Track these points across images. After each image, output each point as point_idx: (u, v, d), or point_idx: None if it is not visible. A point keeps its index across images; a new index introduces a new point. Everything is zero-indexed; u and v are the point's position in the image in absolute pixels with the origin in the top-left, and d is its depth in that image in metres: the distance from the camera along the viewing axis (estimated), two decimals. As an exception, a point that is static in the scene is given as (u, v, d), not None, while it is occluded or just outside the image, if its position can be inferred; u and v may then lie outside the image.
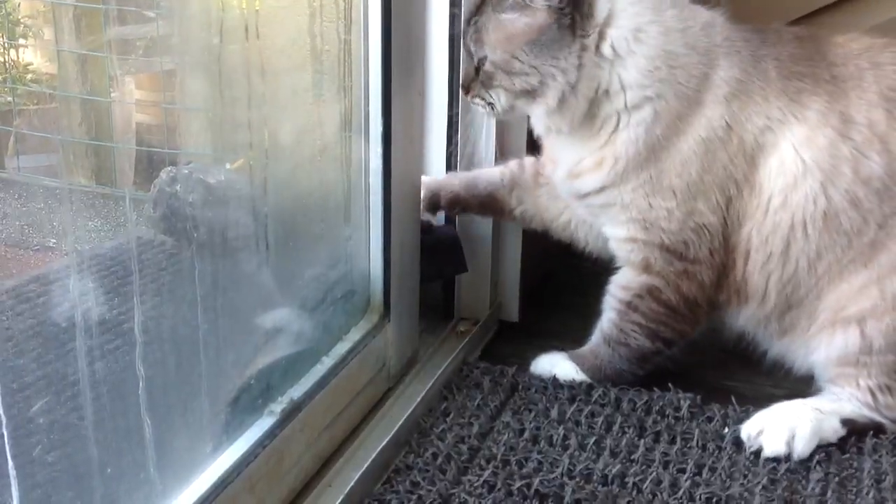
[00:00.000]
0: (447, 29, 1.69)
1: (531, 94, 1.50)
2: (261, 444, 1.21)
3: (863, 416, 1.51)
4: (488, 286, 1.86)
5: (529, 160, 1.76)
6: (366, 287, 1.54)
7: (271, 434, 1.23)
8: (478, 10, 1.51)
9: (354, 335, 1.50)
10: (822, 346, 1.52)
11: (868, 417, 1.51)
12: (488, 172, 1.75)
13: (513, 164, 1.76)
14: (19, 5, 2.23)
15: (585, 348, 1.68)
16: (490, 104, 1.55)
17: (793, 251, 1.49)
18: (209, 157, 1.40)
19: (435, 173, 1.79)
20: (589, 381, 1.64)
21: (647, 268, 1.57)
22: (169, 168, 1.40)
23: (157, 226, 1.47)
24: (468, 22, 1.53)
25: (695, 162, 1.48)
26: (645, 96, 1.47)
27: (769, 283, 1.52)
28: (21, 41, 2.26)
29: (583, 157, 1.54)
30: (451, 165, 1.79)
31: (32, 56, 2.29)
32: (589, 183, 1.55)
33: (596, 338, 1.67)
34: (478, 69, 1.53)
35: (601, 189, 1.54)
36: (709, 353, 1.75)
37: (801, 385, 1.60)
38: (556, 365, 1.67)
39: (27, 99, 2.26)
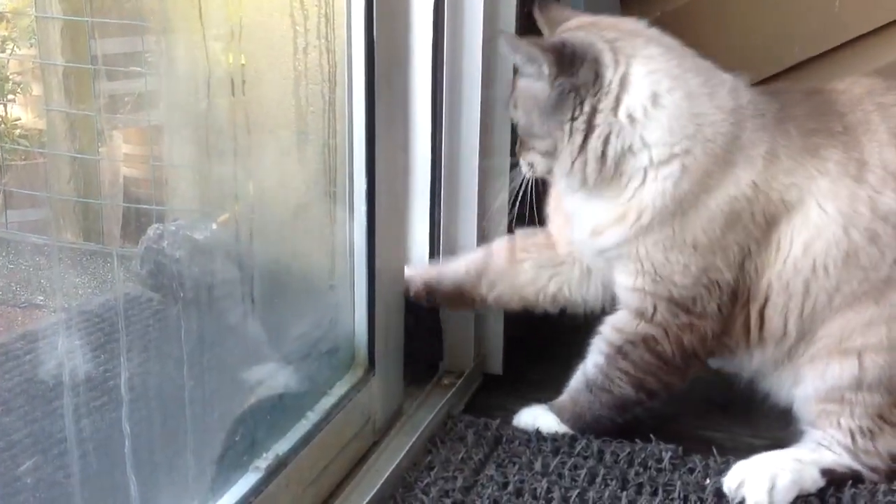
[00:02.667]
0: (429, 94, 1.73)
1: (552, 155, 1.55)
2: (246, 501, 1.21)
3: (842, 465, 1.52)
4: (472, 339, 1.88)
5: (499, 243, 1.78)
6: (350, 341, 1.55)
7: (256, 490, 1.24)
8: (515, 73, 1.58)
9: (339, 390, 1.50)
10: (812, 376, 1.53)
11: (847, 467, 1.52)
12: (453, 266, 1.77)
13: (479, 252, 1.78)
14: (8, 62, 2.25)
15: (565, 397, 1.69)
16: (529, 164, 1.60)
17: (812, 290, 1.50)
18: (195, 212, 1.42)
19: (419, 232, 1.80)
20: (571, 432, 1.65)
21: (647, 316, 1.58)
22: (156, 225, 1.42)
23: (145, 283, 1.49)
24: (512, 90, 1.60)
25: (720, 219, 1.50)
26: (672, 153, 1.49)
27: (788, 322, 1.54)
28: (9, 97, 2.28)
29: (608, 212, 1.55)
30: (434, 222, 1.81)
31: (21, 112, 2.31)
32: (611, 238, 1.56)
33: (576, 382, 1.67)
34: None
35: (622, 243, 1.55)
36: (688, 402, 1.77)
37: (781, 435, 1.61)
38: (537, 418, 1.68)
39: (15, 155, 2.28)
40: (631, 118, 1.49)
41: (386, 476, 1.48)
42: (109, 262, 1.65)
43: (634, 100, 1.49)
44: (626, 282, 1.59)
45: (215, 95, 1.27)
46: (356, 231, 1.51)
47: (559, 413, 1.67)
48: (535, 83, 1.52)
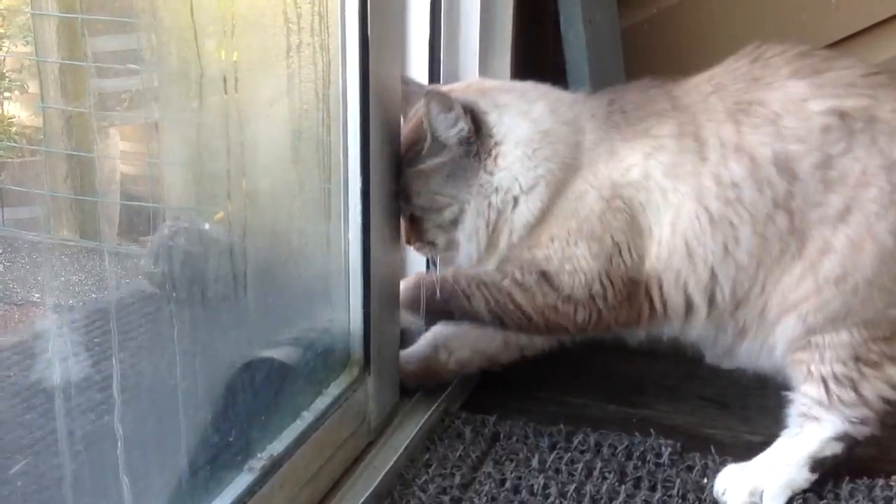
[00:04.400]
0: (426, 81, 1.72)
1: (455, 224, 1.62)
2: (240, 501, 1.21)
3: (829, 439, 1.50)
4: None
5: None
6: (345, 341, 1.55)
7: (251, 491, 1.23)
8: (399, 174, 1.61)
9: (335, 389, 1.50)
10: (777, 338, 1.53)
11: (833, 437, 1.50)
12: (414, 349, 1.79)
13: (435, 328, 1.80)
14: (4, 59, 2.25)
15: (429, 283, 1.67)
16: (430, 243, 1.66)
17: (698, 264, 1.52)
18: (193, 210, 1.42)
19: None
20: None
21: (514, 279, 1.60)
22: (169, 222, 1.41)
23: (159, 280, 1.48)
24: (402, 179, 1.62)
25: (576, 215, 1.56)
26: (536, 175, 1.57)
27: (693, 296, 1.55)
28: (6, 95, 2.28)
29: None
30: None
31: (17, 109, 2.31)
32: (491, 263, 1.63)
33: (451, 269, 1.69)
34: (412, 220, 1.64)
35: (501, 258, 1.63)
36: (687, 399, 1.77)
37: (779, 431, 1.60)
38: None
39: (11, 152, 2.28)
40: (507, 165, 1.58)
41: (383, 474, 1.48)
42: (113, 259, 1.64)
43: (506, 148, 1.58)
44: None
45: (208, 93, 1.26)
46: (352, 230, 1.50)
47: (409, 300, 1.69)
48: (435, 160, 1.58)
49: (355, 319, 1.54)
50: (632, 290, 1.56)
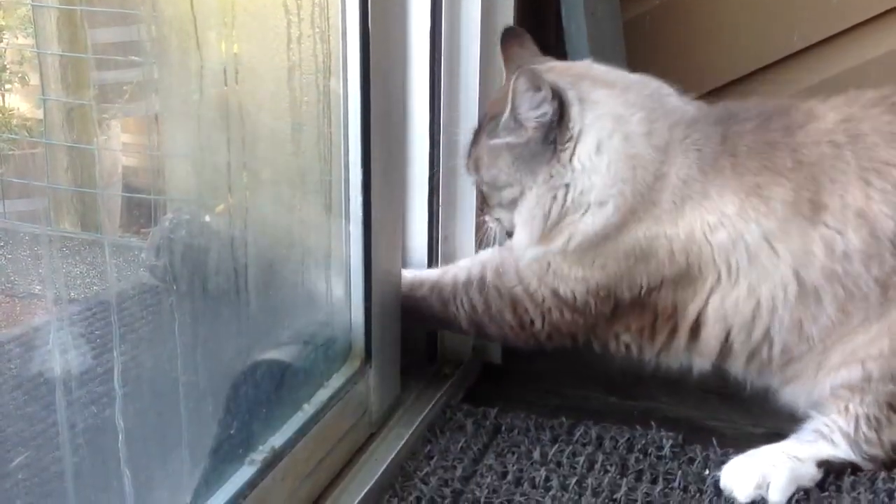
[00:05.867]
0: (427, 84, 1.72)
1: (515, 203, 1.57)
2: (241, 495, 1.21)
3: (838, 458, 1.52)
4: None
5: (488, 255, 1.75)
6: (347, 333, 1.55)
7: (252, 484, 1.23)
8: (476, 141, 1.60)
9: (336, 382, 1.50)
10: (829, 382, 1.53)
11: (843, 459, 1.52)
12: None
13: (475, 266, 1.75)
14: (5, 51, 2.25)
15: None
16: (497, 219, 1.63)
17: (759, 326, 1.50)
18: (194, 202, 1.42)
19: (416, 222, 1.80)
20: None
21: (528, 289, 1.60)
22: (170, 215, 1.41)
23: (160, 273, 1.48)
24: (468, 155, 1.61)
25: (635, 252, 1.51)
26: (609, 194, 1.50)
27: (731, 345, 1.54)
28: (7, 87, 2.28)
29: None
30: (432, 212, 1.80)
31: (18, 101, 2.31)
32: (533, 253, 1.59)
33: (441, 278, 1.68)
34: (481, 192, 1.62)
35: (541, 255, 1.58)
36: (689, 391, 1.77)
37: (781, 423, 1.61)
38: None
39: (12, 144, 2.27)
40: (581, 165, 1.51)
41: (384, 466, 1.48)
42: (114, 251, 1.64)
43: (583, 148, 1.51)
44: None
45: (208, 85, 1.26)
46: (352, 222, 1.50)
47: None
48: (508, 137, 1.53)
49: (356, 312, 1.54)
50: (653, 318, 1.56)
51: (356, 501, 1.38)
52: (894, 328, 1.46)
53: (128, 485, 1.09)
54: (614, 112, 1.51)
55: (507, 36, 1.65)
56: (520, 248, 1.60)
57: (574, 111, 1.51)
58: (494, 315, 1.63)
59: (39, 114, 2.23)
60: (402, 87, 1.65)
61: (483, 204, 1.65)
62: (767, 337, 1.51)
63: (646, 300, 1.54)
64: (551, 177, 1.52)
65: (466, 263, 1.71)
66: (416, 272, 1.73)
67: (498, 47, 1.70)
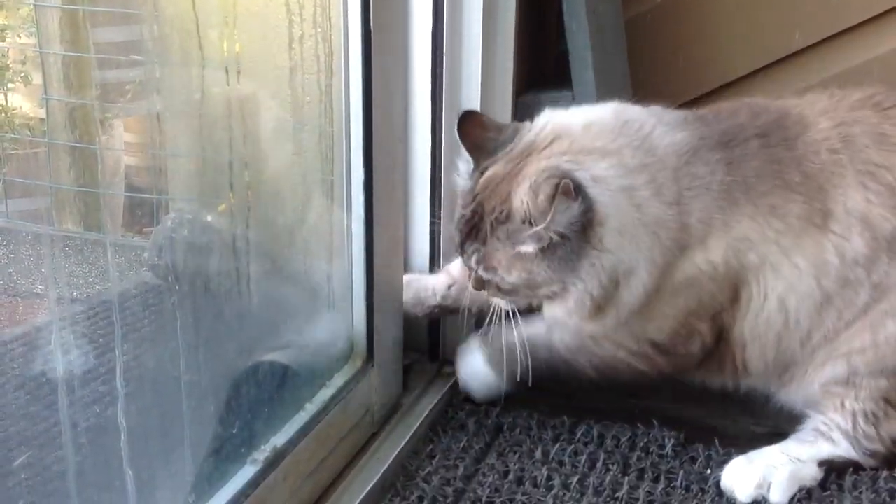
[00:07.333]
0: (429, 83, 1.72)
1: (553, 297, 1.52)
2: (243, 494, 1.21)
3: (840, 456, 1.52)
4: (472, 328, 1.87)
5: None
6: (349, 332, 1.55)
7: (254, 483, 1.23)
8: (475, 237, 1.51)
9: (338, 381, 1.50)
10: (818, 379, 1.54)
11: (844, 458, 1.52)
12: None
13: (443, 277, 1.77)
14: (7, 51, 2.25)
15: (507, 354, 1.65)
16: (510, 302, 1.56)
17: (784, 338, 1.52)
18: (196, 201, 1.42)
19: (418, 224, 1.79)
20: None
21: (629, 350, 1.59)
22: (172, 214, 1.41)
23: (162, 272, 1.48)
24: (463, 246, 1.53)
25: (684, 292, 1.51)
26: (636, 261, 1.47)
27: (766, 363, 1.56)
28: (9, 86, 2.28)
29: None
30: (434, 214, 1.79)
31: (21, 101, 2.31)
32: (592, 327, 1.57)
33: (543, 341, 1.64)
34: (481, 279, 1.54)
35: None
36: (691, 390, 1.76)
37: (783, 423, 1.61)
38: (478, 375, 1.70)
39: (15, 144, 2.28)
40: (613, 247, 1.46)
41: (386, 465, 1.48)
42: (116, 251, 1.64)
43: (609, 231, 1.45)
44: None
45: (210, 84, 1.26)
46: (354, 222, 1.50)
47: (496, 365, 1.67)
48: (536, 245, 1.45)
49: (358, 311, 1.54)
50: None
51: (358, 500, 1.39)
52: (875, 322, 1.47)
53: (130, 484, 1.10)
54: (622, 185, 1.46)
55: (464, 122, 1.55)
56: (564, 320, 1.57)
57: (593, 193, 1.43)
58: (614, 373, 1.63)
59: (42, 113, 2.23)
60: (404, 86, 1.66)
61: (479, 285, 1.56)
62: (789, 347, 1.53)
63: (716, 328, 1.55)
64: (592, 265, 1.46)
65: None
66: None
67: (498, 48, 1.70)
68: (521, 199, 1.44)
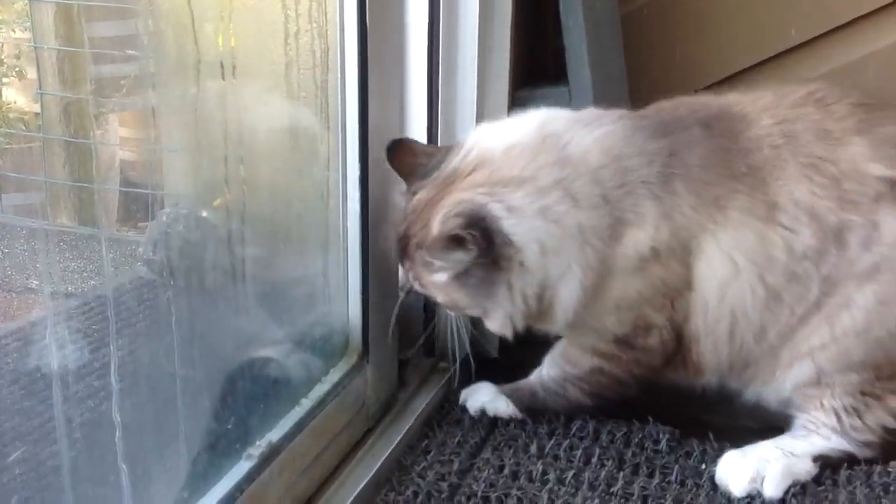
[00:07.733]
0: (425, 78, 1.72)
1: (483, 315, 1.55)
2: (238, 489, 1.21)
3: (833, 449, 1.52)
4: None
5: None
6: (344, 328, 1.55)
7: (249, 478, 1.23)
8: (407, 256, 1.54)
9: (333, 376, 1.50)
10: (786, 381, 1.54)
11: (838, 451, 1.52)
12: None
13: None
14: (2, 45, 2.24)
15: (524, 386, 1.70)
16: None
17: (736, 334, 1.52)
18: (191, 196, 1.42)
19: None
20: (521, 415, 1.68)
21: (598, 352, 1.60)
22: (167, 209, 1.41)
23: (157, 267, 1.48)
24: (400, 262, 1.58)
25: (632, 280, 1.50)
26: (567, 266, 1.47)
27: (721, 359, 1.55)
28: (4, 80, 2.27)
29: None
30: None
31: (16, 95, 2.30)
32: (548, 329, 1.61)
33: (535, 379, 1.70)
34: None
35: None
36: (685, 386, 1.76)
37: (778, 418, 1.61)
38: (488, 402, 1.70)
39: (9, 138, 2.27)
40: (535, 266, 1.47)
41: (381, 461, 1.49)
42: (111, 246, 1.64)
43: (529, 254, 1.46)
44: (569, 338, 1.65)
45: (205, 79, 1.26)
46: (350, 217, 1.50)
47: (515, 398, 1.69)
48: (448, 272, 1.49)
49: (354, 307, 1.54)
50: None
51: (353, 496, 1.39)
52: (831, 315, 1.46)
53: (125, 479, 1.09)
54: (536, 208, 1.45)
55: (394, 151, 1.55)
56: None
57: (507, 225, 1.44)
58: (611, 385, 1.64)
59: (36, 108, 2.22)
60: (400, 81, 1.65)
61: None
62: (742, 343, 1.52)
63: (672, 322, 1.54)
64: (510, 289, 1.49)
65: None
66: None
67: (494, 44, 1.70)
68: (436, 228, 1.45)
